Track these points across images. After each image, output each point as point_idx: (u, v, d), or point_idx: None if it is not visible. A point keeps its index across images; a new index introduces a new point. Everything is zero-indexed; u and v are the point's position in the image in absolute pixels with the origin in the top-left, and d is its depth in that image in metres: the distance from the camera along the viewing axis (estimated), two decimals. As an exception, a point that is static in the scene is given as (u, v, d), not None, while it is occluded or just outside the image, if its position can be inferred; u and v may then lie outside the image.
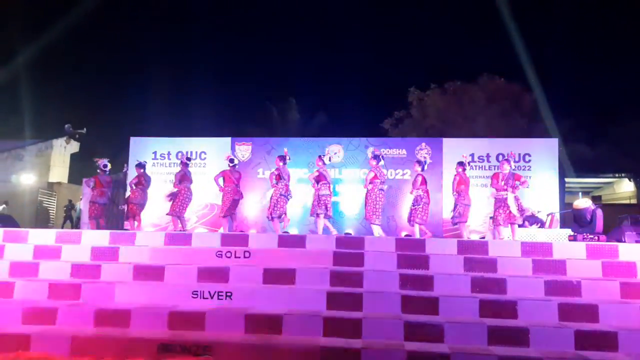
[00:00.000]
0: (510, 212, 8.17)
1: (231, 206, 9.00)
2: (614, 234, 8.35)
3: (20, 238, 7.28)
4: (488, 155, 10.50)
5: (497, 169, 8.79)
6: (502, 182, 8.33)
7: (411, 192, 8.73)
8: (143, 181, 9.43)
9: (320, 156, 9.05)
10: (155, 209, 10.34)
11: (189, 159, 9.63)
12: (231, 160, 9.31)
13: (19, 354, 4.78)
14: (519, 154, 10.44)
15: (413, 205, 8.65)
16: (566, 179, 14.58)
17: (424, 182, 8.64)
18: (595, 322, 5.18)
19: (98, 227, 9.09)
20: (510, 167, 8.51)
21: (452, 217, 8.69)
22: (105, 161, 9.38)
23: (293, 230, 9.96)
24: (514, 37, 19.08)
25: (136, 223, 9.33)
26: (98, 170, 9.38)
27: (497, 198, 8.40)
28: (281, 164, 8.82)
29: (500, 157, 10.34)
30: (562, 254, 6.46)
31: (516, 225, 8.24)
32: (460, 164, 8.74)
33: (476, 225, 9.77)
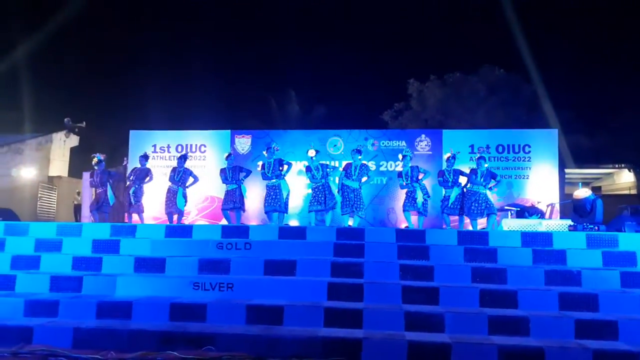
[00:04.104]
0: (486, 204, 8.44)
1: None
2: (613, 223, 8.39)
3: (21, 231, 7.30)
4: (488, 147, 10.47)
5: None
6: (481, 179, 8.50)
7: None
8: (151, 174, 9.55)
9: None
10: (156, 202, 10.35)
11: (184, 156, 9.71)
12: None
13: (21, 346, 4.79)
14: (519, 145, 10.46)
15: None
16: (566, 170, 14.57)
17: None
18: (596, 312, 5.20)
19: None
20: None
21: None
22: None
23: (293, 222, 9.99)
24: (514, 27, 19.02)
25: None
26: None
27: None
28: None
29: (500, 149, 10.42)
30: (562, 243, 6.48)
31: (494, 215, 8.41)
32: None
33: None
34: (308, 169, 8.96)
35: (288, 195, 8.98)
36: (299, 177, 10.15)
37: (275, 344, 4.69)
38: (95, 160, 9.47)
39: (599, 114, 21.50)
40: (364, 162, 9.06)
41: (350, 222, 8.74)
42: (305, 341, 4.67)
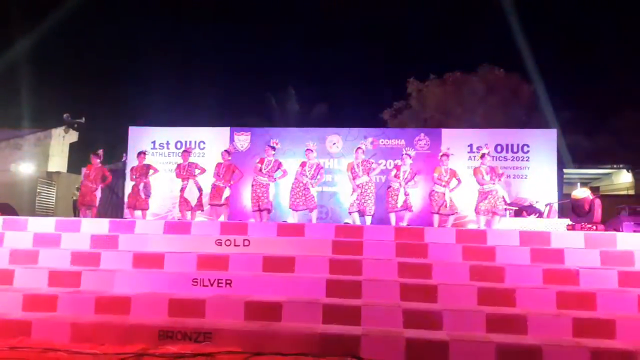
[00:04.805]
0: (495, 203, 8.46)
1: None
2: (612, 223, 8.42)
3: (19, 226, 7.29)
4: (487, 146, 10.46)
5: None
6: (487, 176, 8.53)
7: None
8: (153, 167, 9.72)
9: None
10: (156, 198, 10.36)
11: (187, 150, 9.87)
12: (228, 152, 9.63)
13: (20, 340, 4.80)
14: (518, 145, 10.47)
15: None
16: (565, 170, 14.58)
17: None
18: (593, 310, 5.22)
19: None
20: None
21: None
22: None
23: (292, 220, 9.99)
24: (513, 27, 19.06)
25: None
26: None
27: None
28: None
29: (499, 149, 10.42)
30: (561, 243, 6.50)
31: (497, 217, 8.46)
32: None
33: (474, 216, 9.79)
34: (303, 164, 9.01)
35: (274, 196, 9.12)
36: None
37: (274, 339, 4.69)
38: (92, 155, 9.59)
39: (598, 115, 21.57)
40: (366, 158, 9.07)
41: (349, 220, 8.74)
42: (304, 337, 4.68)
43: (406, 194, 8.73)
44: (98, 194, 9.48)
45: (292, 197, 8.91)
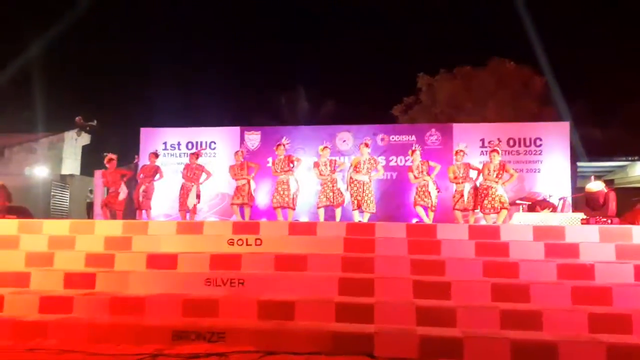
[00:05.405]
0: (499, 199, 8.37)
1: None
2: (627, 216, 8.30)
3: (35, 229, 7.37)
4: (498, 141, 10.38)
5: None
6: (494, 173, 8.44)
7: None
8: (160, 172, 9.69)
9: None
10: (167, 199, 10.42)
11: (196, 153, 9.89)
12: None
13: (37, 342, 4.86)
14: (530, 139, 10.38)
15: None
16: (578, 163, 14.43)
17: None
18: (609, 305, 5.16)
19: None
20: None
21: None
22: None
23: (303, 218, 10.00)
24: (523, 19, 18.84)
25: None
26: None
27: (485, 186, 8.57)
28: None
29: (512, 143, 10.34)
30: (575, 237, 6.43)
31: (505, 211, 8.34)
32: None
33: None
34: (316, 164, 9.01)
35: (296, 191, 9.02)
36: (310, 173, 10.13)
37: (287, 338, 4.71)
38: (106, 159, 9.60)
39: (611, 106, 21.28)
40: (372, 156, 9.05)
41: (359, 218, 8.72)
42: (317, 336, 4.69)
43: (437, 189, 8.77)
44: (122, 194, 9.48)
45: (323, 194, 8.85)
